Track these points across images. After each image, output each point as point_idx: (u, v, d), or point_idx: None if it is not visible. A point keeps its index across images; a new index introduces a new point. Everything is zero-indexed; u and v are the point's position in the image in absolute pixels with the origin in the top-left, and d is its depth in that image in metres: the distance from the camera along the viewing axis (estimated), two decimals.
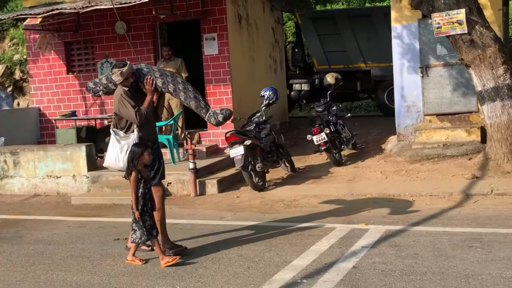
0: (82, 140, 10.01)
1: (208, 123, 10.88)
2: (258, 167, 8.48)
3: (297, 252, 5.30)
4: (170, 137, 9.55)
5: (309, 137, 9.67)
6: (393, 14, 10.28)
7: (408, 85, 10.33)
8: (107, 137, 10.28)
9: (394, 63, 10.48)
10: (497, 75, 8.10)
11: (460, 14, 8.02)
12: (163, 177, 5.80)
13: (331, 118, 10.19)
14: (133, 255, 5.26)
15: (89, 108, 11.50)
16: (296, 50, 18.18)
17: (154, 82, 5.48)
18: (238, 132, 8.66)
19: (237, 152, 8.30)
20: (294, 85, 17.38)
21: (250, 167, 8.49)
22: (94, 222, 7.32)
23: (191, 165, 8.52)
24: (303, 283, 4.49)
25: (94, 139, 10.16)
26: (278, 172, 9.60)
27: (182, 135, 10.46)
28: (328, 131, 9.59)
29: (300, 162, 10.39)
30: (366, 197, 7.77)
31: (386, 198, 7.60)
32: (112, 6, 8.92)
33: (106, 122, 10.65)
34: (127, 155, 5.25)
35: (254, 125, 9.08)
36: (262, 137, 8.97)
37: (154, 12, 9.48)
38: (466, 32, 8.06)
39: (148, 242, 5.36)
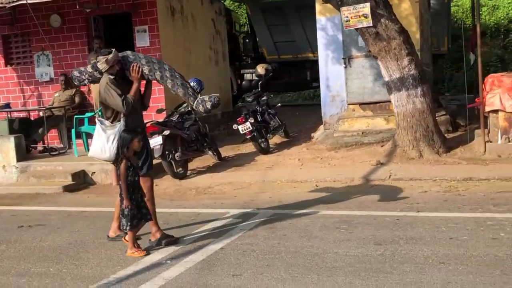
0: (15, 132, 10.23)
1: (157, 113, 11.25)
2: (177, 156, 8.81)
3: (180, 236, 5.66)
4: None
5: (234, 126, 10.02)
6: (318, 6, 10.62)
7: (332, 76, 10.72)
8: (40, 129, 10.64)
9: (319, 55, 10.86)
10: (402, 66, 8.50)
11: (366, 8, 8.37)
12: (150, 167, 5.67)
13: (258, 108, 10.53)
14: (134, 246, 5.16)
15: (27, 100, 11.73)
16: (247, 40, 18.52)
17: (140, 69, 5.39)
18: (158, 122, 8.98)
19: (155, 142, 8.61)
20: (245, 74, 17.74)
21: (170, 156, 8.82)
22: (9, 210, 7.62)
23: None
24: (166, 264, 4.85)
25: (27, 131, 10.42)
26: (207, 160, 9.94)
27: None
28: (253, 121, 9.92)
29: (233, 150, 10.75)
30: (275, 183, 8.15)
31: (292, 184, 7.98)
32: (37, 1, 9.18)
33: (41, 113, 10.87)
34: (114, 143, 5.20)
35: (178, 115, 9.40)
36: (185, 127, 9.29)
37: (77, 6, 9.71)
38: (372, 25, 8.42)
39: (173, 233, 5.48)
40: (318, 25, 10.74)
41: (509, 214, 5.64)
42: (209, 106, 5.46)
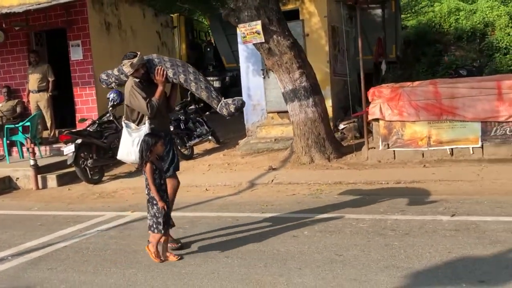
0: None
1: (79, 123, 11.99)
2: (89, 163, 9.54)
3: (42, 235, 6.38)
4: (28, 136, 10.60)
5: None
6: None
7: (253, 86, 11.40)
8: None
9: (241, 66, 11.55)
10: (294, 78, 9.13)
11: (258, 25, 9.02)
12: (177, 168, 5.71)
13: (181, 117, 11.21)
14: (167, 250, 5.22)
15: None
16: (208, 49, 19.25)
17: (165, 72, 5.45)
18: (71, 132, 9.75)
19: (68, 150, 9.37)
20: None
21: (84, 163, 9.55)
22: None
23: (31, 162, 9.59)
24: (7, 259, 5.55)
25: None
26: (131, 166, 10.64)
27: (52, 133, 11.56)
28: (172, 129, 10.60)
29: None
30: None
31: (187, 189, 8.61)
32: None
33: None
34: (139, 146, 5.18)
35: (96, 125, 10.14)
36: (104, 136, 10.03)
37: (4, 25, 10.52)
38: (264, 41, 9.08)
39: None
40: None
41: (335, 214, 6.24)
42: (232, 110, 5.48)
